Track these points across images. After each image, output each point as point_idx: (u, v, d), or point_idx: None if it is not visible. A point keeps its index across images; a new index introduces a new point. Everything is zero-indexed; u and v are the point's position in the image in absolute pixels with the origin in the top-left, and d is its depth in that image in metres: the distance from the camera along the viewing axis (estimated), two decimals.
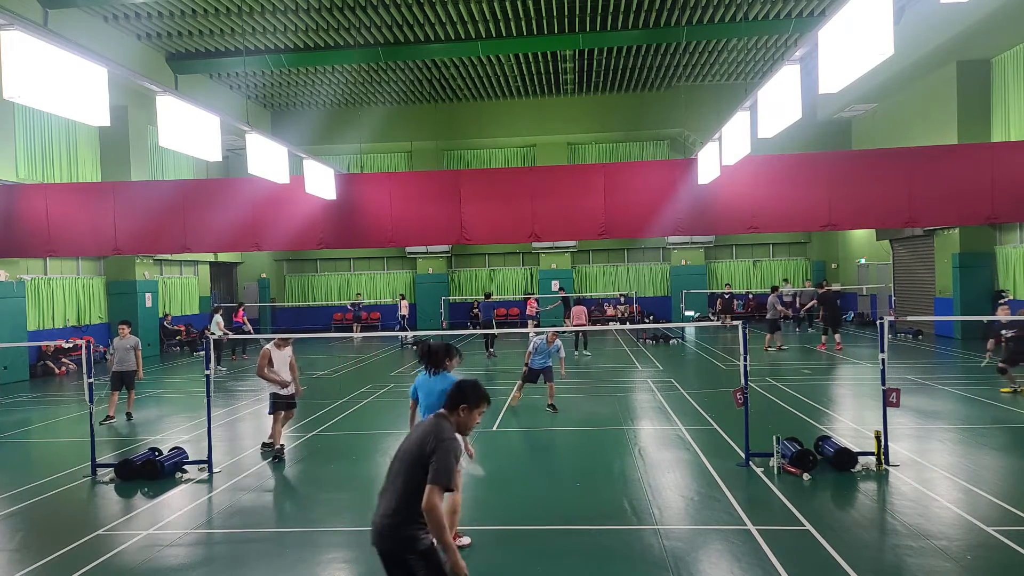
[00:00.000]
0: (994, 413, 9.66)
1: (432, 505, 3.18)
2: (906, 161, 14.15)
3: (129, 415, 10.98)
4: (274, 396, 8.38)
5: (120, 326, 10.95)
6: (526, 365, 10.58)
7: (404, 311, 24.84)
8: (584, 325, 14.19)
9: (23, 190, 15.61)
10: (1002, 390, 10.90)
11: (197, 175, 24.04)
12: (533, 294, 25.26)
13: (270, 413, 8.52)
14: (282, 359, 8.49)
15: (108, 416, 10.57)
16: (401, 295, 26.50)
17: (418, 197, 15.53)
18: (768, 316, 17.20)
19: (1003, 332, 11.01)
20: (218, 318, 16.82)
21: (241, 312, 18.84)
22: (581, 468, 7.49)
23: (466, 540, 5.34)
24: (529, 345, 10.68)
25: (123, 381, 10.74)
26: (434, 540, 3.28)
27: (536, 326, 20.83)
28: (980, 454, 7.64)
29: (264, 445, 8.64)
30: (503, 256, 29.39)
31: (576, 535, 5.63)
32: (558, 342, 10.70)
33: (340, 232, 15.63)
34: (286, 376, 8.41)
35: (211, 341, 7.74)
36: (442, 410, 3.58)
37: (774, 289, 18.58)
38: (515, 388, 10.85)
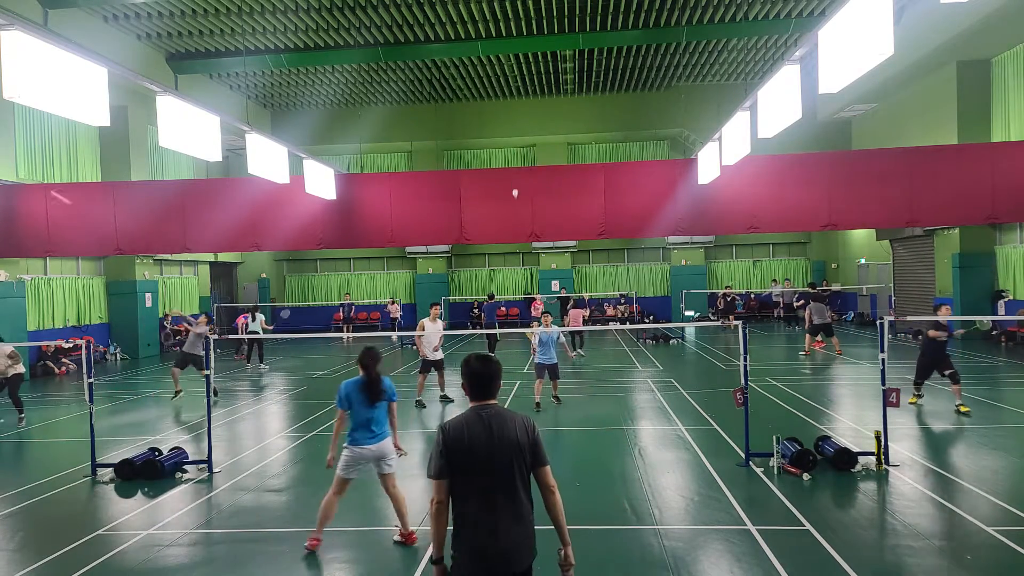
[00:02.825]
0: (994, 413, 9.66)
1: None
2: (906, 161, 14.14)
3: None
4: (424, 362, 11.32)
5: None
6: (534, 351, 10.93)
7: (395, 314, 24.67)
8: (579, 327, 14.15)
9: (23, 190, 15.61)
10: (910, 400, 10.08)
11: (197, 175, 24.05)
12: (536, 295, 25.25)
13: (420, 372, 11.39)
14: (435, 329, 11.12)
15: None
16: (391, 299, 26.37)
17: (418, 197, 15.52)
18: (817, 321, 16.08)
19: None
20: (261, 316, 17.15)
21: (242, 316, 18.90)
22: (581, 468, 7.48)
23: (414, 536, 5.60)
24: (533, 340, 10.85)
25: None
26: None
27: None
28: (980, 454, 7.64)
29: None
30: (503, 256, 29.39)
31: (576, 535, 5.60)
32: (555, 328, 10.85)
33: (340, 232, 15.62)
34: (435, 341, 11.19)
35: (211, 341, 7.74)
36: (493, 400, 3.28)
37: (823, 297, 17.21)
38: (536, 390, 10.82)
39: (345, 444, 5.42)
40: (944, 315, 9.55)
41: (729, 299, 26.68)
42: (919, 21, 16.57)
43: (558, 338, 10.78)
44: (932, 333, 9.83)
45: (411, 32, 18.60)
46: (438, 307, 11.60)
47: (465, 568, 3.05)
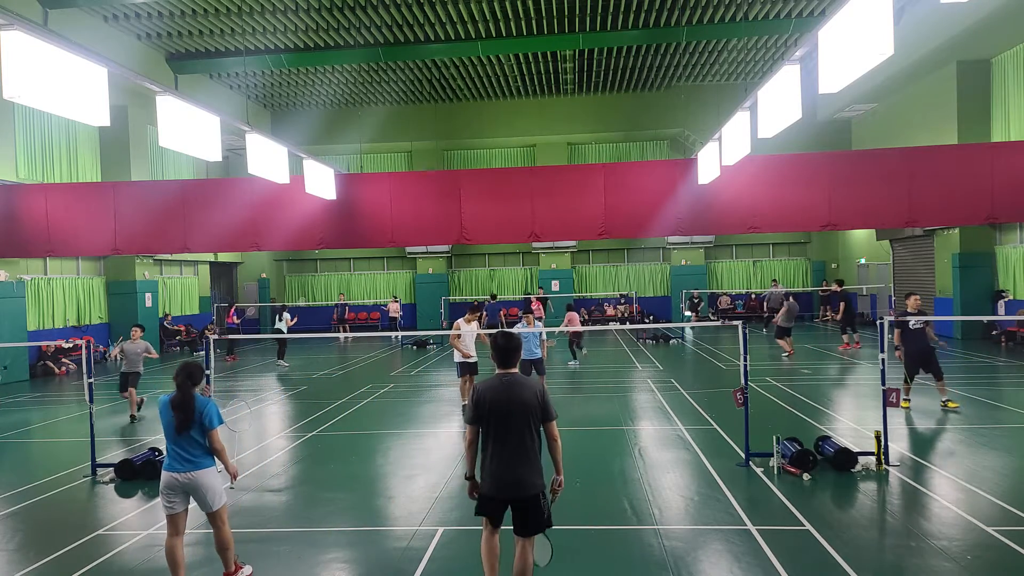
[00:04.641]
0: (994, 413, 9.67)
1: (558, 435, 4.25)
2: (906, 161, 14.14)
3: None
4: (460, 364, 10.48)
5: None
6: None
7: (394, 313, 24.88)
8: (577, 327, 13.82)
9: (23, 190, 15.61)
10: (903, 404, 9.49)
11: (197, 175, 24.04)
12: (534, 297, 25.21)
13: (459, 376, 10.72)
14: (470, 331, 10.41)
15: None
16: (393, 297, 26.51)
17: (418, 197, 15.52)
18: (783, 323, 16.14)
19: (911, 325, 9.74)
20: (287, 315, 17.42)
21: (232, 312, 18.87)
22: (581, 468, 7.47)
23: (248, 569, 4.98)
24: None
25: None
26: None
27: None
28: (980, 454, 7.64)
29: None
30: (503, 256, 29.39)
31: (576, 535, 5.63)
32: (540, 326, 10.95)
33: (340, 232, 15.62)
34: (471, 346, 10.39)
35: (211, 341, 7.73)
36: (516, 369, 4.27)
37: (835, 298, 18.11)
38: None
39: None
40: (912, 304, 9.79)
41: (696, 301, 26.85)
42: (919, 21, 16.57)
43: (540, 335, 10.88)
44: (912, 301, 9.88)
45: (411, 32, 18.60)
46: (474, 316, 10.92)
47: (486, 490, 4.13)
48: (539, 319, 21.42)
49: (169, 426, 4.63)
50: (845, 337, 16.41)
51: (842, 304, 17.41)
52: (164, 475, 4.63)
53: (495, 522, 4.22)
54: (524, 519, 4.12)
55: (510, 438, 4.05)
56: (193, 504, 4.75)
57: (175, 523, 4.66)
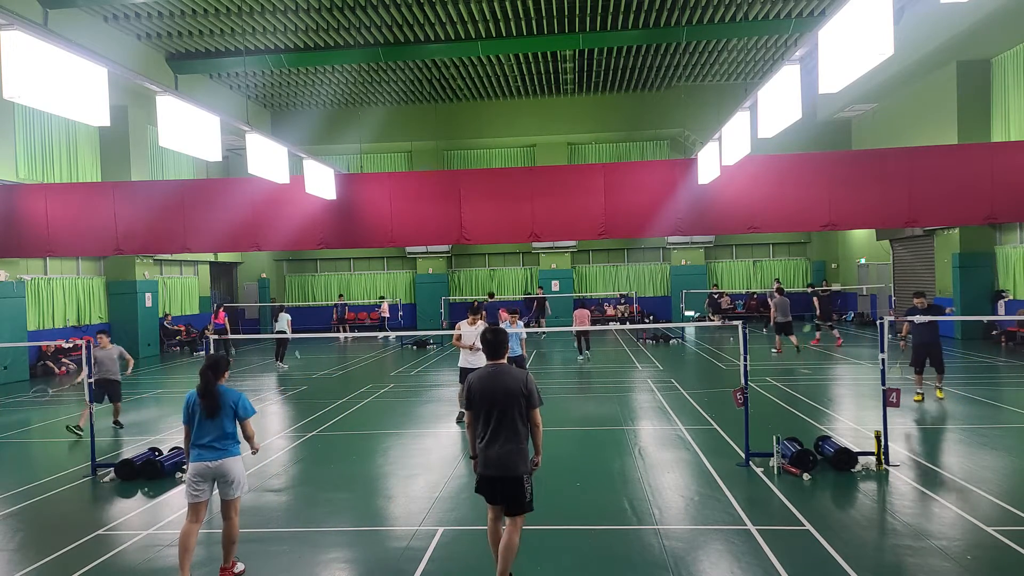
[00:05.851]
0: (994, 413, 9.67)
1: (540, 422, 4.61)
2: (906, 161, 14.14)
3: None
4: (463, 369, 9.84)
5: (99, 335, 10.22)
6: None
7: (386, 312, 25.02)
8: (586, 326, 13.64)
9: (23, 190, 15.61)
10: (914, 398, 10.40)
11: (197, 175, 24.04)
12: (503, 308, 25.07)
13: (461, 382, 9.92)
14: (474, 333, 9.80)
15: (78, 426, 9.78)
16: (382, 297, 26.56)
17: (418, 197, 15.51)
18: (779, 319, 16.55)
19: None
20: (288, 316, 17.16)
21: (222, 313, 18.74)
22: (581, 468, 7.48)
23: (242, 567, 5.07)
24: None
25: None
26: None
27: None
28: (980, 454, 7.64)
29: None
30: (503, 256, 29.39)
31: (576, 535, 5.63)
32: (520, 324, 11.02)
33: (340, 232, 15.62)
34: (473, 342, 9.85)
35: (211, 341, 7.73)
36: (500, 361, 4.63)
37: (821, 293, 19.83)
38: None
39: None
40: (919, 303, 10.22)
41: (716, 298, 26.92)
42: (919, 21, 16.57)
43: (521, 335, 11.06)
44: (917, 301, 10.33)
45: (411, 32, 18.60)
46: (477, 317, 10.19)
47: (480, 468, 4.55)
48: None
49: (194, 416, 4.90)
50: (793, 338, 16.67)
51: (816, 302, 19.08)
52: (194, 465, 4.85)
53: (494, 505, 4.60)
54: (508, 500, 4.47)
55: (495, 421, 4.44)
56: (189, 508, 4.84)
57: (197, 511, 4.86)
